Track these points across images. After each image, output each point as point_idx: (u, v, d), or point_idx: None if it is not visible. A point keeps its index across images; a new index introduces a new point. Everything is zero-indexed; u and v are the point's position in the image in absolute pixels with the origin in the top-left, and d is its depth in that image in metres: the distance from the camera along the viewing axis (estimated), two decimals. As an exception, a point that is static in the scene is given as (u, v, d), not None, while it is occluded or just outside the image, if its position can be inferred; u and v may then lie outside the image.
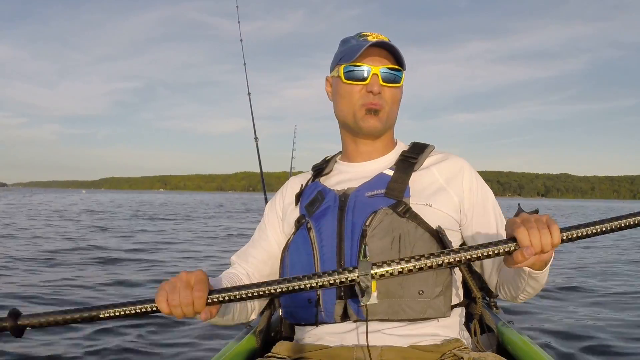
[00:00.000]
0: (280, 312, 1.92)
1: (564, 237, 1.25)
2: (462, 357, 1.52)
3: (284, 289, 1.28)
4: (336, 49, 1.77)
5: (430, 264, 1.24)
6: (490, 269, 1.70)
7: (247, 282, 1.74)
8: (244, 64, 4.17)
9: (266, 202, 3.73)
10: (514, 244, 1.24)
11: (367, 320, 1.49)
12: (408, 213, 1.57)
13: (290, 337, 1.85)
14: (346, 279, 1.26)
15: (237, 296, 1.31)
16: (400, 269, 1.24)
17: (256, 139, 4.15)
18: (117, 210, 29.64)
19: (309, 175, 1.88)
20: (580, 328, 4.78)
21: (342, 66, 1.68)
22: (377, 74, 1.65)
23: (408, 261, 1.24)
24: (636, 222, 1.24)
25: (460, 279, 1.69)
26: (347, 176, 1.75)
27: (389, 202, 1.59)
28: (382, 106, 1.67)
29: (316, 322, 1.61)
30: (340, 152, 1.89)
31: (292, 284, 1.28)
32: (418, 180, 1.65)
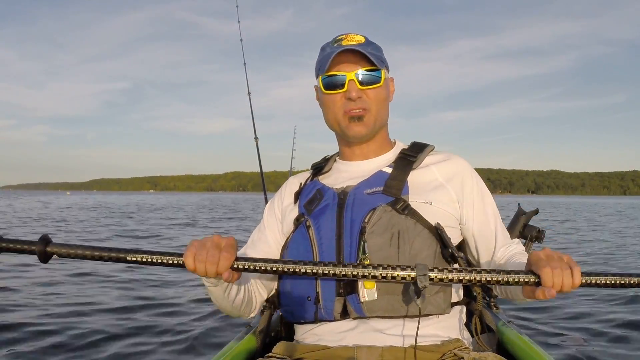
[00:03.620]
0: (279, 311, 1.92)
1: (584, 281, 1.32)
2: (463, 357, 1.52)
3: (315, 271, 1.37)
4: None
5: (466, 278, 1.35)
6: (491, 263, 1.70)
7: (252, 285, 1.76)
8: (244, 63, 4.17)
9: (266, 201, 3.72)
10: (536, 279, 1.32)
11: (419, 316, 1.49)
12: (407, 210, 1.57)
13: (290, 337, 1.84)
14: (406, 276, 1.35)
15: (262, 267, 1.39)
16: (452, 277, 1.35)
17: (256, 138, 4.14)
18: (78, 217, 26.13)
19: (308, 174, 1.88)
20: (580, 328, 4.77)
21: (320, 77, 1.69)
22: (353, 79, 1.64)
23: (460, 272, 1.36)
24: None
25: None
26: (346, 174, 1.76)
27: (388, 200, 1.60)
28: (367, 109, 1.67)
29: (315, 320, 1.60)
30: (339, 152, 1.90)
31: (328, 269, 1.37)
32: (417, 178, 1.66)
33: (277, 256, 1.78)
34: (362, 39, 1.69)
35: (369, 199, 1.62)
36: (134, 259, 1.39)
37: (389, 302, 1.51)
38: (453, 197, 1.65)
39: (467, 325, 1.79)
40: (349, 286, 1.54)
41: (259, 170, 4.12)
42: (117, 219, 23.26)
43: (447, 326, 1.61)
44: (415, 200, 1.60)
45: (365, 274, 1.35)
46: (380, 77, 1.67)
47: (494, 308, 2.20)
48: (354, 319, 1.55)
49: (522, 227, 2.27)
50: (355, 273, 1.36)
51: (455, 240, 1.65)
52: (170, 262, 1.39)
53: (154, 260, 1.39)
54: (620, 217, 29.89)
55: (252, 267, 1.39)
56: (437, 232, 1.56)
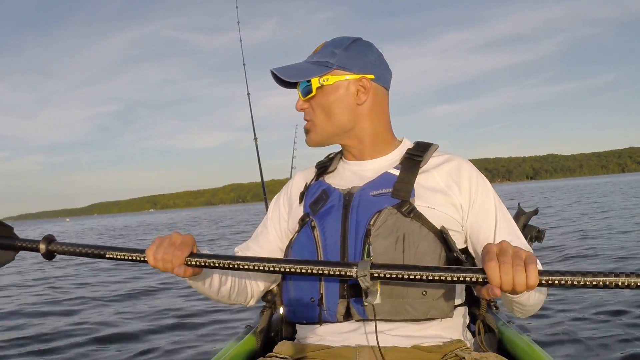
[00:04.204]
0: (282, 311, 1.92)
1: (543, 281, 1.18)
2: (464, 358, 1.51)
3: (264, 267, 1.40)
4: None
5: (425, 276, 1.24)
6: None
7: (245, 275, 1.79)
8: (244, 64, 4.18)
9: (266, 204, 3.72)
10: (483, 276, 1.19)
11: (375, 320, 1.49)
12: (412, 213, 1.56)
13: (291, 337, 1.83)
14: (345, 273, 1.30)
15: (212, 264, 1.45)
16: (397, 274, 1.26)
17: (255, 139, 4.14)
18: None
19: (314, 172, 1.87)
20: (581, 327, 4.76)
21: None
22: (299, 93, 1.71)
23: (408, 269, 1.26)
24: (631, 283, 1.14)
25: None
26: (351, 175, 1.74)
27: (393, 202, 1.58)
28: (311, 119, 1.72)
29: (319, 321, 1.60)
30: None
31: (277, 265, 1.39)
32: (421, 183, 1.63)
33: (278, 250, 1.80)
34: (320, 47, 1.73)
35: (374, 201, 1.60)
36: (110, 256, 1.54)
37: (392, 306, 1.50)
38: (455, 201, 1.62)
39: (469, 325, 1.77)
40: (352, 289, 1.54)
41: (259, 172, 4.13)
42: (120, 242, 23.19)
43: (449, 327, 1.60)
44: (419, 205, 1.58)
45: (304, 270, 1.35)
46: (311, 87, 1.67)
47: (495, 308, 2.21)
48: (357, 321, 1.55)
49: (522, 227, 2.24)
50: (302, 270, 1.35)
51: (459, 244, 1.63)
52: (137, 258, 1.51)
53: (125, 257, 1.53)
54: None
55: (204, 263, 1.46)
56: (442, 236, 1.55)
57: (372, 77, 1.68)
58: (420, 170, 1.66)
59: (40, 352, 4.83)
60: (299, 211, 1.76)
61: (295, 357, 1.63)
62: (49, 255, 1.60)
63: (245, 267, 1.42)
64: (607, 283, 1.14)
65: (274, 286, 1.89)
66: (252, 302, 1.85)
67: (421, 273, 1.24)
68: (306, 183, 1.83)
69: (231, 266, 1.44)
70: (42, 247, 1.58)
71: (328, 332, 1.60)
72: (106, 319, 5.94)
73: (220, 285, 1.69)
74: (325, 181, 1.76)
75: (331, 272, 1.32)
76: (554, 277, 1.17)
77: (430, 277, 1.24)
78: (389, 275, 1.27)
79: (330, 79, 1.66)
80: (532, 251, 1.61)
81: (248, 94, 4.13)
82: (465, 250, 1.68)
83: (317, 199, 1.71)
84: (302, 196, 1.78)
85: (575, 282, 1.16)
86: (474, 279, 1.20)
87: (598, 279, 1.15)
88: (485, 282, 1.18)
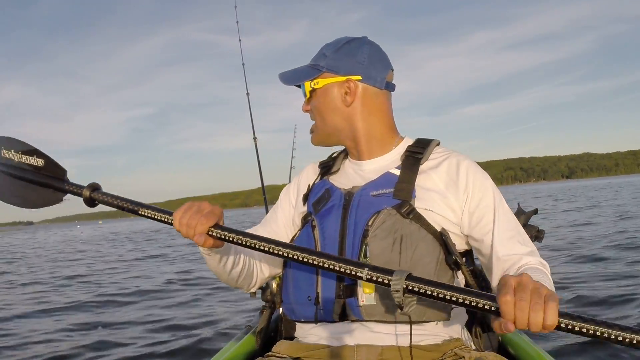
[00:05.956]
0: (281, 311, 1.93)
1: (562, 325, 1.08)
2: (463, 357, 1.49)
3: (287, 254, 1.37)
4: None
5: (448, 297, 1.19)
6: (493, 270, 1.61)
7: (256, 261, 1.80)
8: (243, 63, 4.20)
9: (266, 207, 3.74)
10: (496, 307, 1.11)
11: (411, 332, 1.46)
12: (412, 214, 1.54)
13: (290, 337, 1.83)
14: (355, 273, 1.28)
15: (235, 239, 1.43)
16: (430, 291, 1.21)
17: (255, 139, 4.15)
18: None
19: (318, 170, 1.87)
20: None
21: None
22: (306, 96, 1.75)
23: (438, 285, 1.21)
24: None
25: (464, 281, 1.64)
26: (354, 174, 1.74)
27: (393, 202, 1.57)
28: (313, 120, 1.77)
29: (315, 320, 1.61)
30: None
31: (300, 254, 1.35)
32: (420, 185, 1.61)
33: (283, 235, 1.80)
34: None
35: (374, 201, 1.60)
36: (142, 213, 1.56)
37: (387, 308, 1.49)
38: (452, 203, 1.59)
39: (468, 324, 1.75)
40: (348, 289, 1.54)
41: (259, 172, 4.12)
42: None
43: (447, 325, 1.59)
44: (419, 206, 1.56)
45: (332, 266, 1.31)
46: (305, 90, 1.73)
47: None
48: (353, 321, 1.55)
49: (522, 227, 2.25)
50: (325, 264, 1.32)
51: (459, 246, 1.61)
52: (165, 220, 1.52)
53: (154, 217, 1.54)
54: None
55: (225, 237, 1.44)
56: (442, 238, 1.53)
57: (359, 78, 1.67)
58: (420, 170, 1.64)
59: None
60: (303, 209, 1.77)
61: (294, 357, 1.63)
62: (91, 203, 1.63)
63: (266, 249, 1.41)
64: (635, 342, 1.04)
65: (277, 275, 1.90)
66: (253, 289, 1.87)
67: (432, 289, 1.21)
68: (309, 184, 1.83)
69: (252, 245, 1.42)
70: (86, 193, 1.62)
71: (326, 332, 1.61)
72: (104, 317, 5.99)
73: (232, 266, 1.69)
74: (329, 180, 1.77)
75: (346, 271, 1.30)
76: (575, 323, 1.07)
77: (442, 296, 1.19)
78: (420, 289, 1.23)
79: (320, 82, 1.69)
80: (535, 249, 1.60)
81: (247, 93, 4.14)
82: (466, 253, 1.65)
83: (319, 198, 1.72)
84: (305, 197, 1.79)
85: (598, 333, 1.06)
86: (485, 306, 1.13)
87: (625, 334, 1.05)
88: (498, 314, 1.11)
